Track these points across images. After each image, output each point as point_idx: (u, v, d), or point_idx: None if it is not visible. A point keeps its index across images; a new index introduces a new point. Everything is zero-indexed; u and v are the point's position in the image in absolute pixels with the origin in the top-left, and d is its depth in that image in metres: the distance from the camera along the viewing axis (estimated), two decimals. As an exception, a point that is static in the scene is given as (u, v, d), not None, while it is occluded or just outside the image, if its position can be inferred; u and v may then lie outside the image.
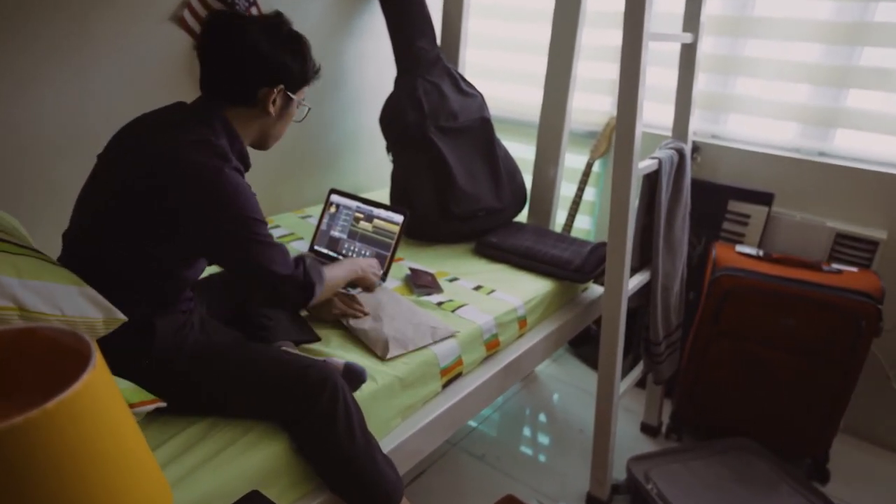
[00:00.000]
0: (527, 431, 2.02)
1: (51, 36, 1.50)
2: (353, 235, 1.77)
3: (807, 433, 1.77)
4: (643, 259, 1.74)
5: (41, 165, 1.57)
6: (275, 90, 1.15)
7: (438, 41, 2.24)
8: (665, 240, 1.70)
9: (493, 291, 1.75)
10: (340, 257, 1.76)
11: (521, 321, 1.71)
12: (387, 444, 1.28)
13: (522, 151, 2.43)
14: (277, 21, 1.16)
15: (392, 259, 1.70)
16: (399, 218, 1.71)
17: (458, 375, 1.51)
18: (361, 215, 1.78)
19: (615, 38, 2.27)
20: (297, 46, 1.17)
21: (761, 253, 1.85)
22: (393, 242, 1.70)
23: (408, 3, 2.13)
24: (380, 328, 1.42)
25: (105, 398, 0.53)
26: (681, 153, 1.72)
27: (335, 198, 1.84)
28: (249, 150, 1.22)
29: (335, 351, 1.37)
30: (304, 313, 1.49)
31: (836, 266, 1.79)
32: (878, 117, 1.84)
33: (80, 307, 0.97)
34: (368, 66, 2.37)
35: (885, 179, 1.83)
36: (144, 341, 1.10)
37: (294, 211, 2.21)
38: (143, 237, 1.08)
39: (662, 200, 1.63)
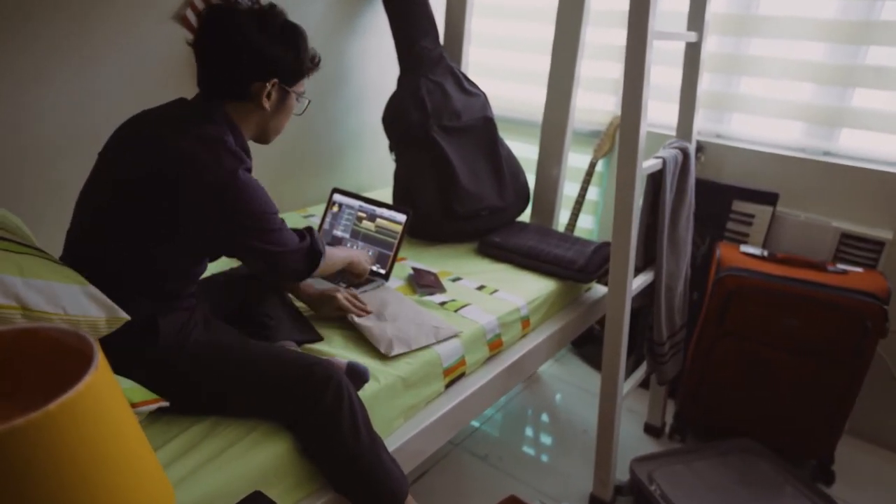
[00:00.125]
0: (529, 432, 2.01)
1: (52, 35, 1.50)
2: (355, 235, 1.77)
3: (812, 434, 1.76)
4: (647, 259, 1.73)
5: (43, 165, 1.57)
6: (267, 84, 1.13)
7: (441, 40, 2.24)
8: (669, 240, 1.69)
9: (495, 291, 1.74)
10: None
11: (524, 321, 1.70)
12: (389, 445, 1.27)
13: (525, 151, 2.43)
14: (270, 12, 1.13)
15: (395, 259, 1.69)
16: (402, 217, 1.71)
17: (461, 375, 1.51)
18: (364, 214, 1.77)
19: (619, 36, 2.26)
20: (290, 38, 1.15)
21: (766, 253, 1.84)
22: (396, 242, 1.70)
23: (411, 2, 2.13)
24: (384, 326, 1.41)
25: (107, 399, 0.53)
26: (685, 153, 1.71)
27: (338, 197, 1.83)
28: (252, 145, 1.21)
29: (338, 351, 1.37)
30: (306, 311, 1.49)
31: (841, 266, 1.78)
32: (883, 117, 1.83)
33: (83, 306, 0.97)
34: (371, 64, 2.37)
35: (891, 179, 1.82)
36: (148, 340, 1.10)
37: (297, 210, 2.21)
38: (146, 234, 1.07)
39: (666, 200, 1.63)
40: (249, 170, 1.13)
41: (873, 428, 1.99)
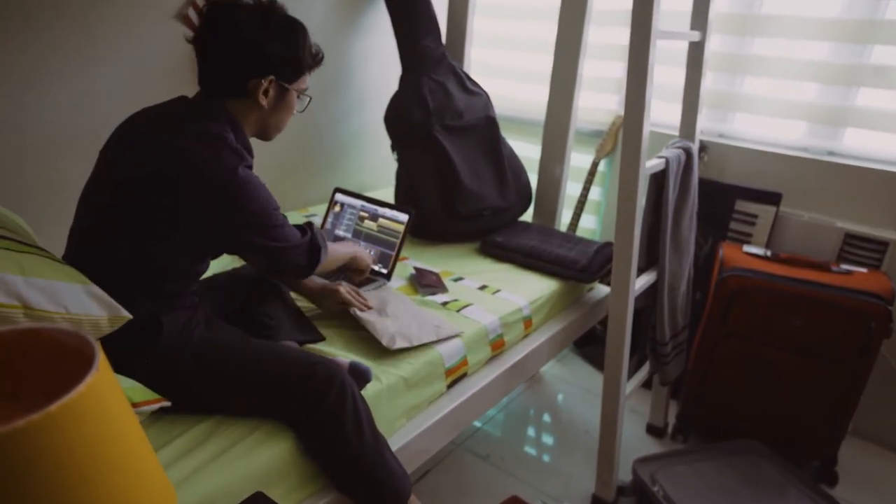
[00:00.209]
0: (531, 432, 2.01)
1: (52, 35, 1.50)
2: (357, 234, 1.77)
3: (815, 435, 1.75)
4: (650, 259, 1.73)
5: (44, 164, 1.57)
6: (263, 81, 1.11)
7: (444, 39, 2.24)
8: (672, 240, 1.69)
9: (498, 291, 1.74)
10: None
11: (527, 321, 1.70)
12: (392, 445, 1.26)
13: (528, 150, 2.42)
14: (268, 8, 1.12)
15: (397, 258, 1.69)
16: (404, 217, 1.71)
17: (464, 376, 1.50)
18: (366, 214, 1.77)
19: (622, 36, 2.26)
20: (288, 33, 1.13)
21: (769, 253, 1.83)
22: (398, 242, 1.69)
23: (413, 1, 2.12)
24: (386, 322, 1.42)
25: (108, 400, 0.52)
26: (688, 152, 1.70)
27: (340, 196, 1.83)
28: (254, 142, 1.21)
29: (340, 351, 1.36)
30: (307, 310, 1.48)
31: (845, 267, 1.77)
32: (888, 116, 1.82)
33: (85, 305, 0.97)
34: (373, 64, 2.37)
35: (895, 179, 1.81)
36: (149, 338, 1.10)
37: (298, 210, 2.21)
38: (146, 232, 1.07)
39: (669, 200, 1.62)
40: (250, 167, 1.13)
41: (877, 429, 1.98)
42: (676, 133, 1.85)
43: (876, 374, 1.78)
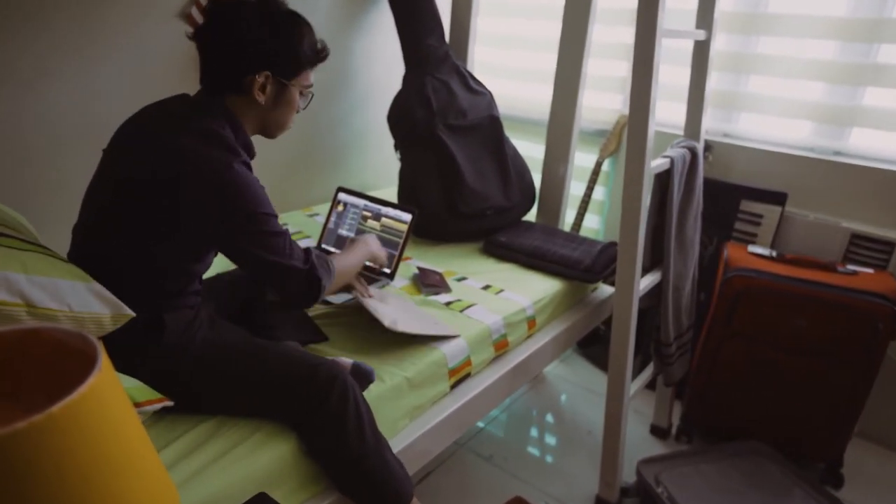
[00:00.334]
0: (535, 432, 2.00)
1: (53, 35, 1.49)
2: (360, 234, 1.76)
3: (820, 437, 1.74)
4: (654, 259, 1.72)
5: (46, 163, 1.57)
6: (258, 77, 1.10)
7: (447, 38, 2.23)
8: (677, 240, 1.68)
9: (501, 291, 1.73)
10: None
11: (530, 321, 1.69)
12: (395, 445, 1.26)
13: (531, 150, 2.42)
14: (270, 4, 1.11)
15: (400, 258, 1.68)
16: (407, 216, 1.70)
17: (467, 376, 1.50)
18: (369, 214, 1.76)
19: (626, 35, 2.25)
20: (286, 28, 1.11)
21: (774, 253, 1.82)
22: (401, 241, 1.69)
23: (416, 0, 2.12)
24: (388, 308, 1.42)
25: (110, 401, 0.52)
26: (693, 152, 1.69)
27: (343, 196, 1.83)
28: (257, 141, 1.20)
29: (342, 352, 1.36)
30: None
31: (851, 267, 1.76)
32: (895, 116, 1.81)
33: (88, 303, 0.97)
34: (376, 63, 2.36)
35: (902, 179, 1.80)
36: (152, 337, 1.09)
37: (301, 209, 2.20)
38: (147, 232, 1.07)
39: (674, 200, 1.61)
40: (247, 164, 1.11)
41: (883, 430, 1.97)
42: (681, 132, 1.84)
43: (882, 376, 1.77)
